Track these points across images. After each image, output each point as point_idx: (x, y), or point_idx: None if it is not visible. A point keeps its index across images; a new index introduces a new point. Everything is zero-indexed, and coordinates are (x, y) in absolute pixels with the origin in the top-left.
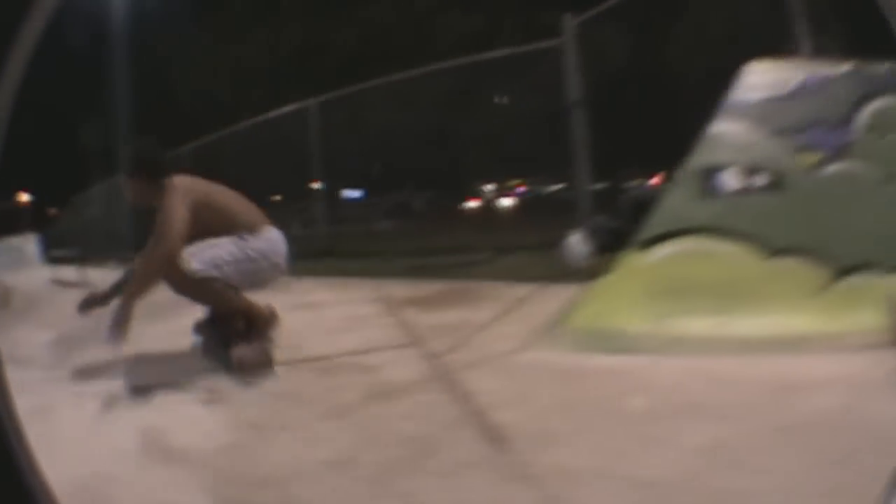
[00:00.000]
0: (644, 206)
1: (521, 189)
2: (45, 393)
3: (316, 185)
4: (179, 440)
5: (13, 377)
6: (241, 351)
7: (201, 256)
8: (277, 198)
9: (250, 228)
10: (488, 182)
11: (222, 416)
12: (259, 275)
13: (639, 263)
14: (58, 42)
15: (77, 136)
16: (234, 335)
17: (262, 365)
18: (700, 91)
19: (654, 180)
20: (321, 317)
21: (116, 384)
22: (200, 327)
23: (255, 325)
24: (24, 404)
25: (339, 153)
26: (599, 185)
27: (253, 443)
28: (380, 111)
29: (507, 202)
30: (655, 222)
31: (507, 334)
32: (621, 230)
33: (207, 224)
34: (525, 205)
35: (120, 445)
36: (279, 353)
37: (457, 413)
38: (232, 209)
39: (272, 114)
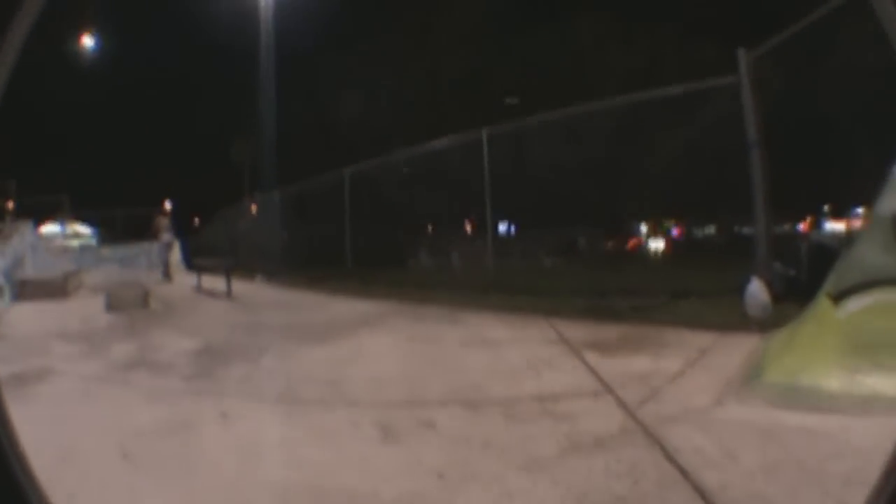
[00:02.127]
0: (822, 253)
1: (676, 231)
2: (184, 406)
3: (474, 218)
4: (346, 480)
5: (151, 384)
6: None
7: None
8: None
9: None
10: (643, 221)
11: (398, 457)
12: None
13: (831, 316)
14: (214, 60)
15: (227, 153)
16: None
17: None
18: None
19: (804, 225)
20: (500, 356)
21: (266, 404)
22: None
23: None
24: (158, 414)
25: (502, 186)
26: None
27: (439, 493)
28: (542, 147)
29: (659, 244)
30: (846, 272)
31: (700, 386)
32: (797, 278)
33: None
34: (679, 247)
35: (271, 479)
36: None
37: (664, 472)
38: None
39: (434, 144)
